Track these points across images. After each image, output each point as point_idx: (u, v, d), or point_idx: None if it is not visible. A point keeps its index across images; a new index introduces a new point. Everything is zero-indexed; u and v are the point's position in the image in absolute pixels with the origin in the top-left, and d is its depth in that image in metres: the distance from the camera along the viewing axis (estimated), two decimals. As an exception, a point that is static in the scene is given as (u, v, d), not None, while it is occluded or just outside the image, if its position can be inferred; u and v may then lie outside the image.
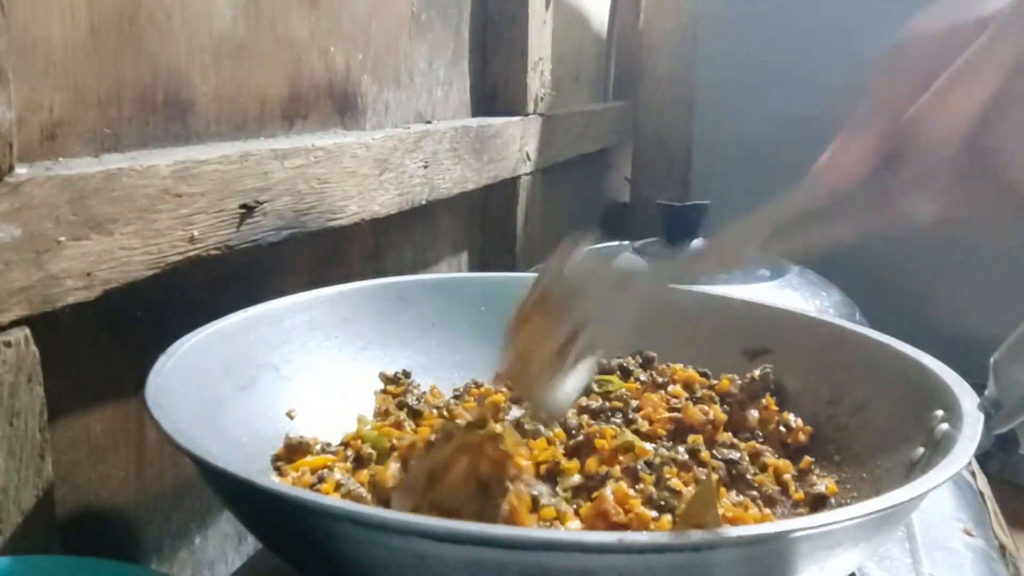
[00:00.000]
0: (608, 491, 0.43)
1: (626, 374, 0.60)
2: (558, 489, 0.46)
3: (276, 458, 0.50)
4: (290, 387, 0.55)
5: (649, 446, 0.49)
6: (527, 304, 0.44)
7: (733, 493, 0.48)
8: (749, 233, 0.39)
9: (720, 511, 0.44)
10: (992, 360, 0.44)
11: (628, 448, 0.48)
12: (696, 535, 0.31)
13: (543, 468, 0.47)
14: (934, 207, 0.34)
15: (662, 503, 0.43)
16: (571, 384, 0.43)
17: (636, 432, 0.52)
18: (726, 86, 1.48)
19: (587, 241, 0.44)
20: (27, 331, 0.43)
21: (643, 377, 0.59)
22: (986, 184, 0.32)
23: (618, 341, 0.45)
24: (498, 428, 0.47)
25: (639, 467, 0.46)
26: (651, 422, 0.54)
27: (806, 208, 0.37)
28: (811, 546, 0.33)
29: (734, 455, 0.50)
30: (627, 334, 0.46)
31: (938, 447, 0.42)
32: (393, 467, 0.46)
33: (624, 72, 1.67)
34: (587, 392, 0.56)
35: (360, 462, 0.49)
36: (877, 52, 0.35)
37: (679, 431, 0.54)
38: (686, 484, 0.45)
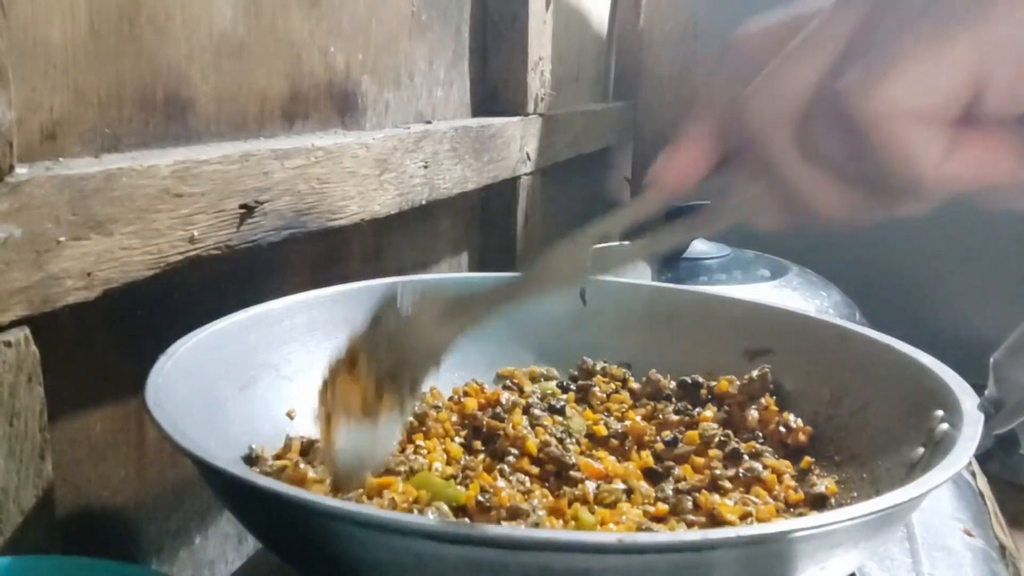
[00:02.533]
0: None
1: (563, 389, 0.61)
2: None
3: (276, 458, 0.50)
4: (290, 387, 0.55)
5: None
6: (335, 366, 0.39)
7: (734, 492, 0.48)
8: (583, 249, 0.36)
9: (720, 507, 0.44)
10: (992, 360, 0.44)
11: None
12: (696, 535, 0.31)
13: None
14: (773, 206, 0.31)
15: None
16: (380, 443, 0.39)
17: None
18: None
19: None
20: (27, 331, 0.43)
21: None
22: (826, 179, 0.28)
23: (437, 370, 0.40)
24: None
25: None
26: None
27: (645, 217, 0.35)
28: (811, 546, 0.33)
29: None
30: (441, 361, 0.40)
31: (938, 447, 0.42)
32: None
33: (624, 72, 1.67)
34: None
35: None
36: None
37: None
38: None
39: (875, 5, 0.27)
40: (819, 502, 0.47)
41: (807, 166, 0.28)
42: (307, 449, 0.51)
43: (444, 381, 0.61)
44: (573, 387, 0.61)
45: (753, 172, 0.31)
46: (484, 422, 0.54)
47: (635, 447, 0.54)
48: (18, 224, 0.41)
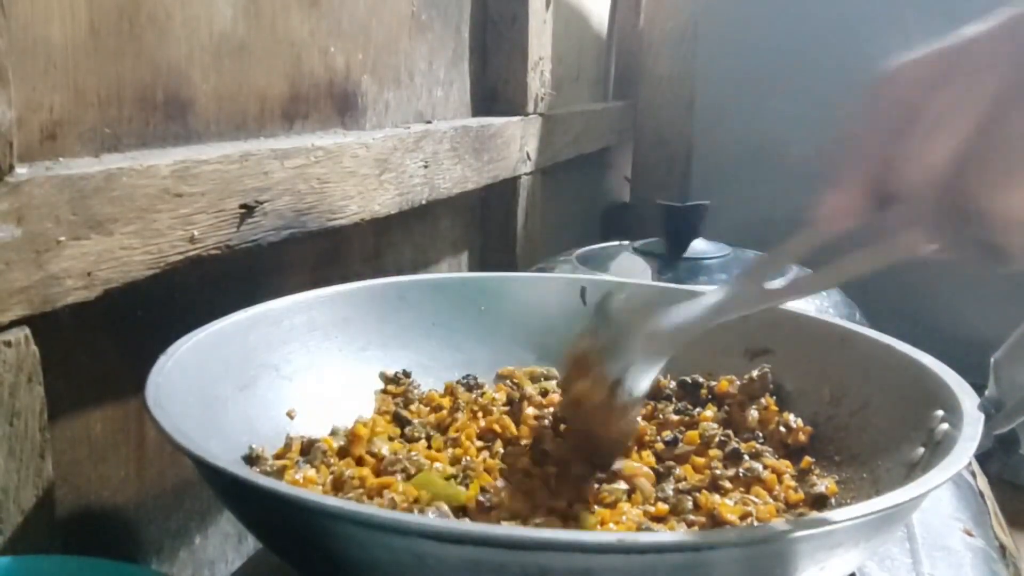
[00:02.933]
0: None
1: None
2: None
3: (276, 457, 0.50)
4: (290, 387, 0.55)
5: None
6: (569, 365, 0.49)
7: (734, 492, 0.48)
8: (764, 273, 0.43)
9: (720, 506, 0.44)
10: (992, 360, 0.44)
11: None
12: (696, 535, 0.31)
13: None
14: (929, 243, 0.35)
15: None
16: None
17: None
18: (726, 86, 1.48)
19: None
20: (27, 331, 0.43)
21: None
22: (969, 229, 0.32)
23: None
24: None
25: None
26: None
27: (810, 251, 0.40)
28: (811, 546, 0.33)
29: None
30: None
31: (938, 447, 0.42)
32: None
33: (624, 72, 1.67)
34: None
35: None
36: (854, 90, 0.35)
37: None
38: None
39: (999, 96, 0.30)
40: (819, 502, 0.47)
41: (949, 225, 0.32)
42: (307, 449, 0.51)
43: (444, 381, 0.61)
44: (573, 387, 0.61)
45: (898, 222, 0.35)
46: None
47: (635, 447, 0.54)
48: (18, 224, 0.41)
